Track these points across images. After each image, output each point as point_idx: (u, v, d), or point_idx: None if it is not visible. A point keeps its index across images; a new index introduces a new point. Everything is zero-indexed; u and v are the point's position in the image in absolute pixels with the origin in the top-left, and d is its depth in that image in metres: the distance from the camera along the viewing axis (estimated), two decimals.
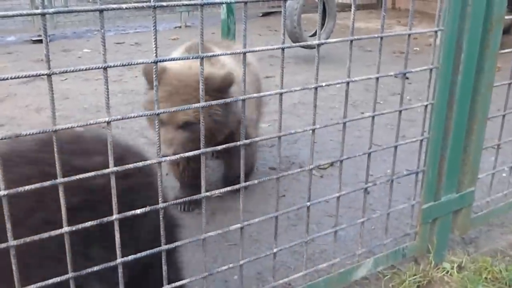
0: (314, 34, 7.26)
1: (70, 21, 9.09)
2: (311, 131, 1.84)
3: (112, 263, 1.42)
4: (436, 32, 2.07)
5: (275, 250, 1.99)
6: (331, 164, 3.65)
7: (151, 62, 1.38)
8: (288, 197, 3.25)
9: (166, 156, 2.26)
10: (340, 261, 2.25)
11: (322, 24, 7.06)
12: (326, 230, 2.21)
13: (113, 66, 1.30)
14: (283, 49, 1.65)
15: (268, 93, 1.77)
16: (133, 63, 1.35)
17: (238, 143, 1.67)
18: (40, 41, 8.44)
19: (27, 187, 1.22)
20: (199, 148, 1.59)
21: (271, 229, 2.88)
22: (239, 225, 1.80)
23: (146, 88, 2.88)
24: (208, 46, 3.01)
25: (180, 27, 10.06)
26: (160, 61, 1.40)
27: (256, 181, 1.83)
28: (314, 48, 1.70)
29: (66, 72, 1.22)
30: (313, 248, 2.70)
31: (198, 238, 1.69)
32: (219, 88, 2.67)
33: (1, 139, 1.20)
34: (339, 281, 2.26)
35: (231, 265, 1.88)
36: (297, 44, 1.99)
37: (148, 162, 1.46)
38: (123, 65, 1.31)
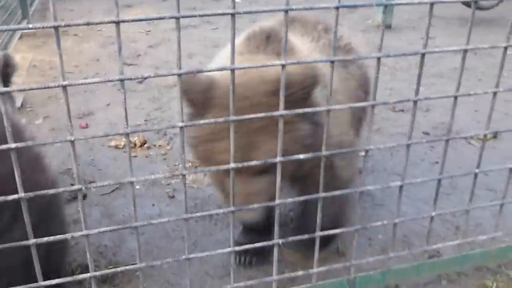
0: None
1: None
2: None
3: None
4: None
5: (433, 214, 1.97)
6: (494, 136, 3.46)
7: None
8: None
9: (244, 219, 1.98)
10: (500, 236, 2.18)
11: None
12: (483, 203, 2.14)
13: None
14: (431, 4, 1.53)
15: (407, 53, 1.70)
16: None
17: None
18: None
19: None
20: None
21: (420, 194, 2.86)
22: (398, 183, 1.81)
23: (189, 113, 1.88)
24: (280, 34, 2.03)
25: None
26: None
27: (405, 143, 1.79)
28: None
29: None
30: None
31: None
32: (300, 91, 1.76)
33: (185, 73, 1.34)
34: (497, 256, 2.19)
35: (385, 222, 1.92)
36: None
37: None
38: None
